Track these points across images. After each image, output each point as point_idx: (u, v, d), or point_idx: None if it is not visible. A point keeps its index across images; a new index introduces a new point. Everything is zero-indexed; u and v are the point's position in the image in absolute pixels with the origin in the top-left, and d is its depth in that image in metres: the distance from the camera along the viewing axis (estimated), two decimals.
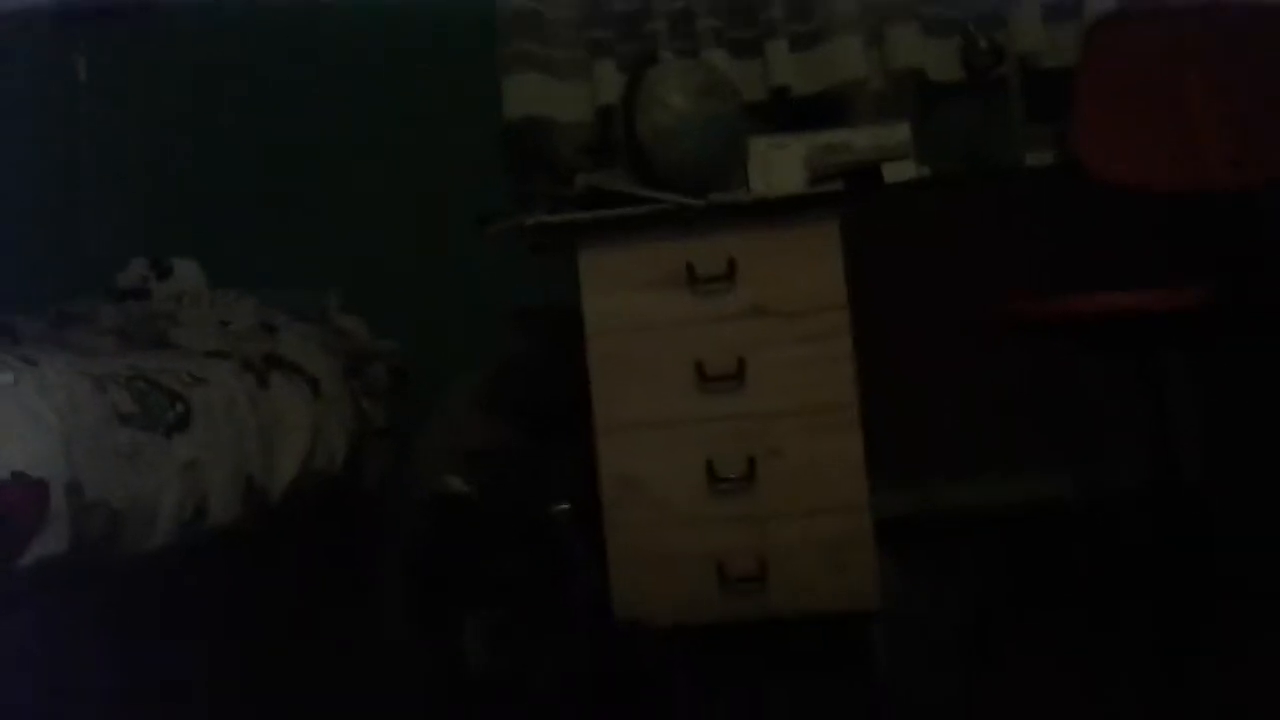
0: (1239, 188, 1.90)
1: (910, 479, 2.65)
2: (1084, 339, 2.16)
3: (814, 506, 2.05)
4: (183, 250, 2.69)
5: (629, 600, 2.05)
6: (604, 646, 1.98)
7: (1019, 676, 1.88)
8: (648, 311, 2.10)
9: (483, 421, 2.58)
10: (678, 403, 2.08)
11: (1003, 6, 2.65)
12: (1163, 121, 1.88)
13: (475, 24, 2.76)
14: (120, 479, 1.50)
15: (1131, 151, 1.87)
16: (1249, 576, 2.07)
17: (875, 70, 2.67)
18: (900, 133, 2.38)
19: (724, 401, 2.08)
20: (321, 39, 2.85)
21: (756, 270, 2.09)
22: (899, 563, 2.17)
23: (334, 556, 2.32)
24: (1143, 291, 1.86)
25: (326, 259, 2.75)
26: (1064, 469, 2.66)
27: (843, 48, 2.65)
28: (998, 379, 2.62)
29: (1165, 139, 1.88)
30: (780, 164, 2.38)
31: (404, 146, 2.83)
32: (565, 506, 2.12)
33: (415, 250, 2.79)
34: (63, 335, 2.22)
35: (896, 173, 2.29)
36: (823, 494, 2.06)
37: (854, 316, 2.08)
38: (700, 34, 2.68)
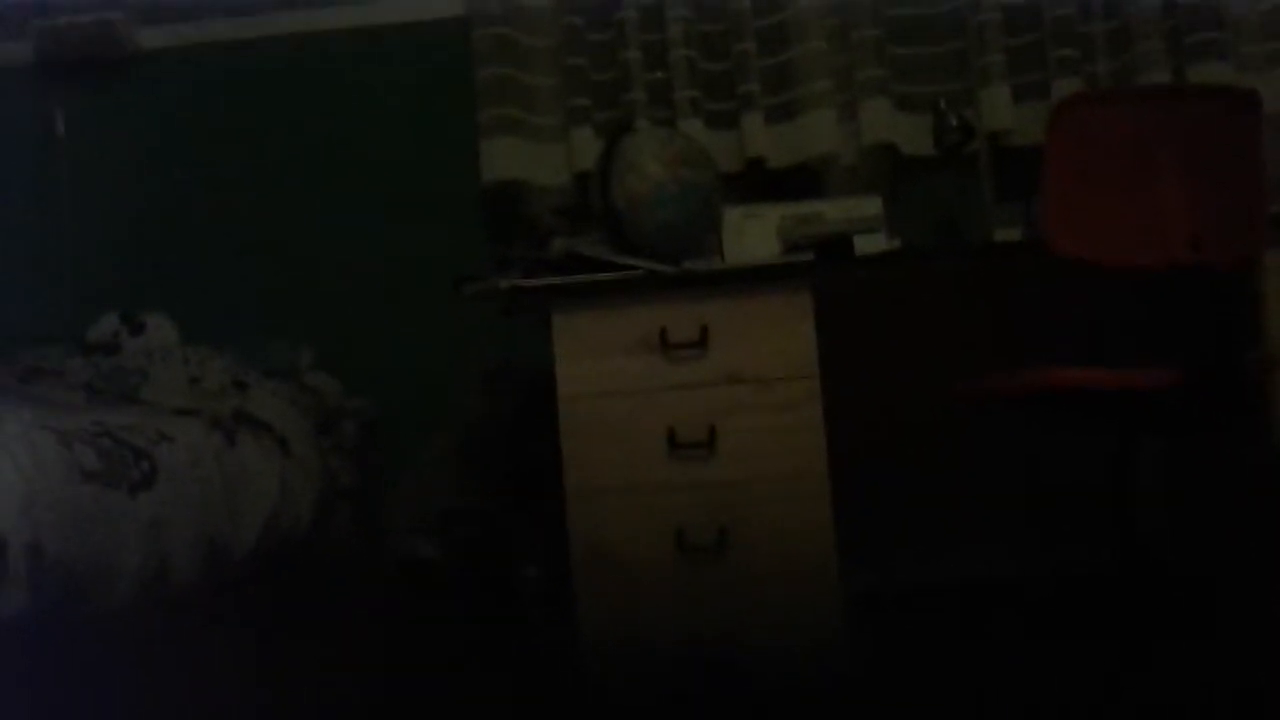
0: (1200, 267, 1.93)
1: (879, 553, 2.65)
2: (1057, 415, 2.18)
3: (785, 575, 2.05)
4: (156, 304, 2.68)
5: (600, 669, 2.03)
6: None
7: None
8: (620, 377, 2.11)
9: (453, 481, 2.57)
10: (649, 469, 2.08)
11: (973, 85, 2.71)
12: (1125, 200, 1.92)
13: (454, 87, 2.80)
14: (82, 538, 1.48)
15: (1095, 229, 1.91)
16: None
17: (849, 144, 2.72)
18: (872, 206, 2.42)
19: (695, 469, 2.08)
20: (301, 97, 2.87)
21: (729, 338, 2.11)
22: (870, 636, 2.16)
23: (299, 615, 2.29)
24: (1114, 369, 1.88)
25: (300, 315, 2.75)
26: (1030, 546, 2.66)
27: (817, 122, 2.70)
28: (970, 452, 2.63)
29: (1128, 218, 1.91)
30: (754, 233, 2.41)
31: (381, 206, 2.85)
32: (533, 572, 2.10)
33: (389, 309, 2.79)
34: (30, 389, 2.20)
35: (868, 245, 2.33)
36: (793, 563, 2.05)
37: (825, 387, 2.10)
38: (678, 104, 2.73)
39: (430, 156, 2.84)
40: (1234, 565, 2.31)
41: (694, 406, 2.09)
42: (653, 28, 2.76)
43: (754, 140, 2.71)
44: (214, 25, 2.89)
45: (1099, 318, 2.54)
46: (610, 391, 2.11)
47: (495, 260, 2.41)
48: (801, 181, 2.72)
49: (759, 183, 2.72)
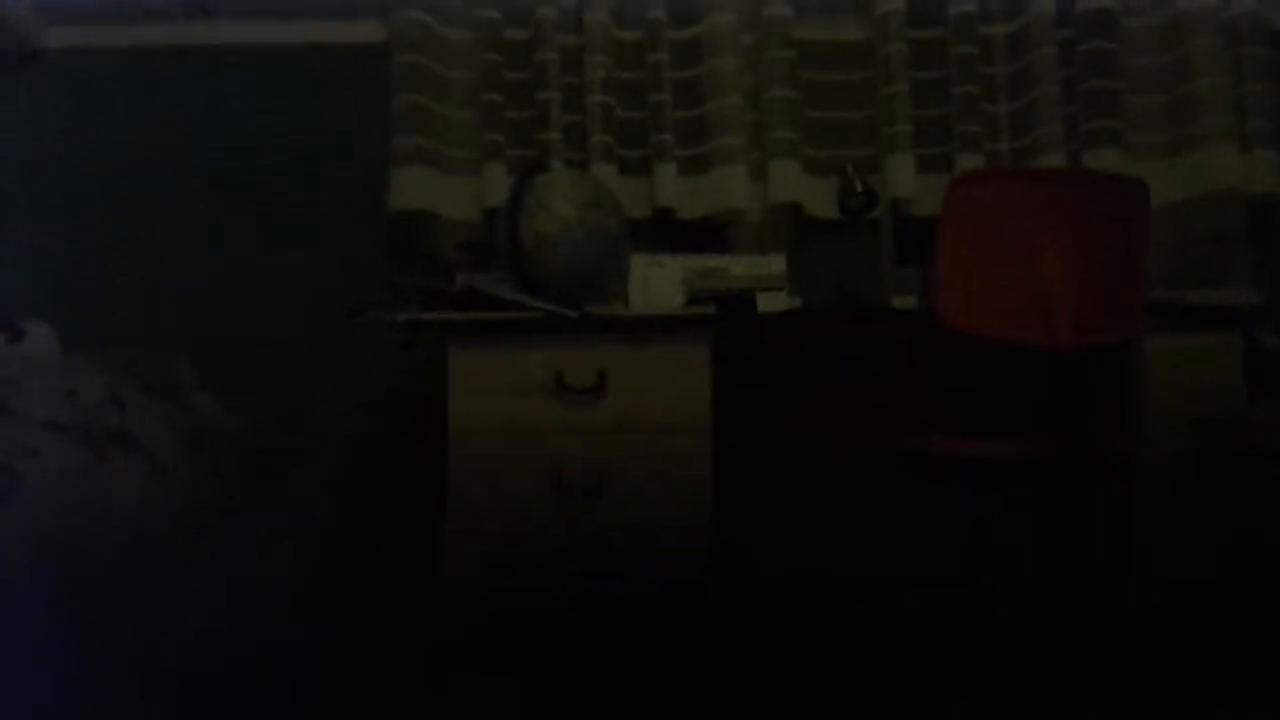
0: (1081, 349, 2.00)
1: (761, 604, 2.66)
2: (924, 478, 2.23)
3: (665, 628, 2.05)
4: (38, 311, 2.58)
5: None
6: None
7: None
8: (513, 418, 2.09)
9: (335, 511, 2.51)
10: (535, 514, 2.06)
11: (880, 154, 2.78)
12: (1014, 277, 1.97)
13: (367, 113, 2.77)
14: None
15: (983, 303, 1.96)
16: None
17: (757, 201, 2.76)
18: (776, 264, 2.46)
19: (582, 515, 2.07)
20: (208, 109, 2.81)
21: (625, 385, 2.11)
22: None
23: (167, 642, 2.20)
24: (978, 439, 1.93)
25: (187, 331, 2.68)
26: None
27: (727, 177, 2.73)
28: (856, 508, 2.66)
29: (1015, 294, 1.97)
30: (658, 282, 2.43)
31: (282, 226, 2.79)
32: None
33: (282, 332, 2.73)
34: None
35: (770, 302, 2.36)
36: (675, 620, 2.05)
37: (718, 439, 2.11)
38: (592, 148, 2.74)
39: (336, 180, 2.80)
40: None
41: (585, 452, 2.08)
42: (572, 71, 2.78)
43: (664, 190, 2.73)
44: (125, 29, 2.82)
45: (982, 387, 2.60)
46: (502, 432, 2.09)
47: (394, 290, 2.39)
48: (709, 234, 2.75)
49: (667, 232, 2.74)
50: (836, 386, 2.68)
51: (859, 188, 2.58)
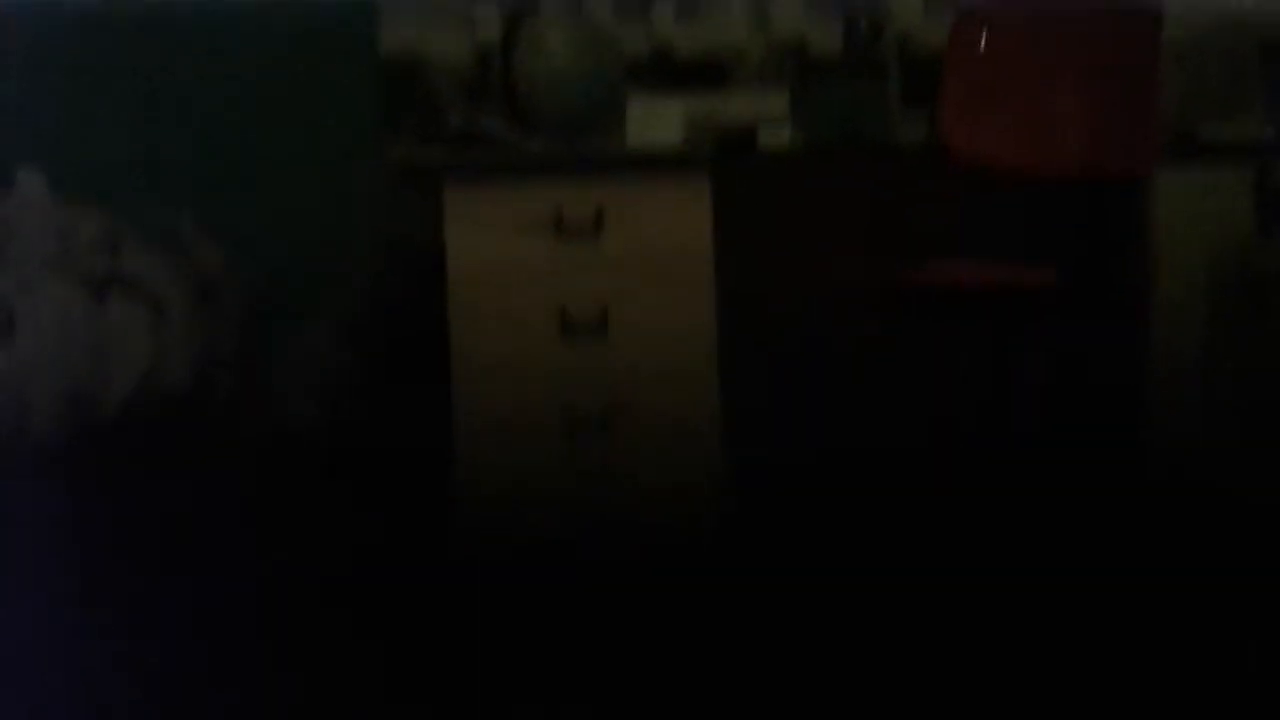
0: (1092, 177, 1.97)
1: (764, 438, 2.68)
2: (934, 309, 2.22)
3: (671, 455, 2.07)
4: (28, 156, 2.53)
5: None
6: None
7: None
8: (513, 256, 2.07)
9: (344, 357, 2.52)
10: (539, 349, 2.07)
11: None
12: (1023, 108, 1.94)
13: None
14: None
15: (992, 135, 1.93)
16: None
17: (758, 39, 2.69)
18: (778, 101, 2.41)
19: (585, 350, 2.07)
20: None
21: (625, 222, 2.09)
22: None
23: (174, 481, 2.22)
24: (988, 266, 1.92)
25: (183, 179, 2.62)
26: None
27: (726, 15, 2.66)
28: (861, 346, 2.65)
29: (1024, 125, 1.94)
30: (657, 121, 2.38)
31: (273, 71, 2.72)
32: None
33: (279, 178, 2.68)
34: None
35: (772, 139, 2.32)
36: (679, 444, 2.07)
37: (720, 276, 2.10)
38: None
39: (327, 26, 2.72)
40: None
41: (587, 288, 2.07)
42: None
43: (662, 29, 2.66)
44: None
45: (994, 222, 2.57)
46: (502, 270, 2.07)
47: (390, 133, 2.34)
48: (708, 73, 2.68)
49: (667, 72, 2.68)
50: (846, 224, 2.64)
51: (863, 23, 2.51)
